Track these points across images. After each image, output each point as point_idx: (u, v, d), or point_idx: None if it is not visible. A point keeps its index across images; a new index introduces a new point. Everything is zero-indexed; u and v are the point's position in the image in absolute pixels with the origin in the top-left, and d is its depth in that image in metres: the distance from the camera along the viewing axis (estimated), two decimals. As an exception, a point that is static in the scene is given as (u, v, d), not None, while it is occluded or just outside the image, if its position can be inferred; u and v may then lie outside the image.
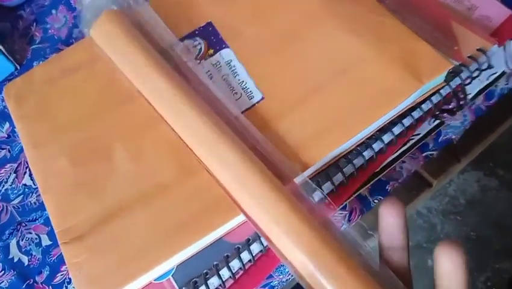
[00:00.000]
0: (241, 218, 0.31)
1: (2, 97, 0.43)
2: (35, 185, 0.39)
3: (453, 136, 0.36)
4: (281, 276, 0.34)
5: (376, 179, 0.35)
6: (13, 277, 0.36)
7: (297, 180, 0.30)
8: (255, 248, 0.32)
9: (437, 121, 0.36)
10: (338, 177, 0.33)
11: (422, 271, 0.94)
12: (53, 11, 0.48)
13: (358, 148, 0.33)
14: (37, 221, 0.38)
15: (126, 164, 0.34)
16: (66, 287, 0.35)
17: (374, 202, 0.35)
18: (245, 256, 0.31)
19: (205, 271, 0.31)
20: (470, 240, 0.95)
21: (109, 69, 0.38)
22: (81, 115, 0.36)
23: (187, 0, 0.40)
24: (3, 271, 0.36)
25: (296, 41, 0.35)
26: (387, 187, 0.35)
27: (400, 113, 0.32)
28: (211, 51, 0.37)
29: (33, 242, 0.37)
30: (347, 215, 0.35)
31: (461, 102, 0.35)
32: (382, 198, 0.35)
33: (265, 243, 0.32)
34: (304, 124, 0.32)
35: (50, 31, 0.47)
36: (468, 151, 0.86)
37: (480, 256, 0.94)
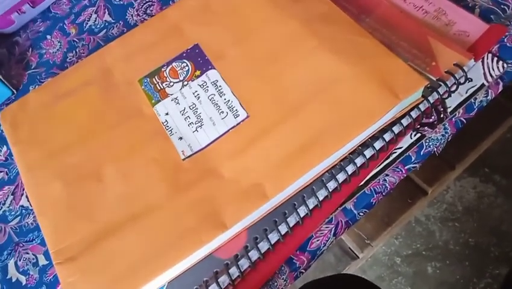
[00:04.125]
0: (229, 234, 0.32)
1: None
2: (31, 206, 0.40)
3: (435, 149, 0.37)
4: (270, 290, 0.34)
5: (361, 192, 0.36)
6: (11, 297, 0.37)
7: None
8: (244, 263, 0.33)
9: (418, 135, 0.36)
10: (322, 192, 0.34)
11: (422, 279, 0.95)
12: (48, 37, 0.49)
13: (341, 163, 0.34)
14: (33, 241, 0.39)
15: (117, 185, 0.35)
16: (62, 306, 0.36)
17: (360, 215, 0.36)
18: (234, 271, 0.32)
19: (195, 287, 0.32)
20: (469, 247, 0.95)
21: (100, 93, 0.40)
22: (73, 139, 0.38)
23: (175, 25, 0.42)
24: (1, 292, 0.38)
25: (277, 61, 0.37)
26: (371, 200, 0.36)
27: (380, 128, 0.34)
28: (198, 72, 0.39)
29: (30, 262, 0.38)
30: (333, 228, 0.35)
31: (441, 116, 0.36)
32: (367, 211, 0.36)
33: (253, 258, 0.33)
34: (287, 142, 0.33)
35: (45, 56, 0.48)
36: (462, 158, 0.86)
37: (479, 262, 0.94)
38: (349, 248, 0.80)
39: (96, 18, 0.49)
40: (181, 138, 0.36)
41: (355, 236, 0.79)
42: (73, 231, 0.34)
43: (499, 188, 0.99)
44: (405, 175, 0.37)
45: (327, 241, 0.35)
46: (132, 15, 0.48)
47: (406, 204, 0.79)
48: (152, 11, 0.48)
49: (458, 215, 0.98)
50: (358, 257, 0.81)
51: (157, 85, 0.39)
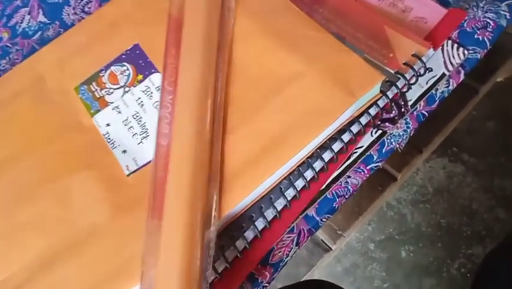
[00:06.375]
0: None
1: None
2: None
3: (397, 146, 0.35)
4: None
5: (322, 197, 0.34)
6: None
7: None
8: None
9: (379, 132, 0.34)
10: (281, 201, 0.31)
11: (397, 263, 0.95)
12: (-22, 42, 0.45)
13: (299, 168, 0.32)
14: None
15: (55, 208, 0.31)
16: None
17: (323, 221, 0.34)
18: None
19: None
20: (441, 228, 0.96)
21: (33, 104, 0.36)
22: (5, 158, 0.34)
23: (112, 22, 0.38)
24: None
25: (230, 62, 0.34)
26: (334, 204, 0.34)
27: (338, 129, 0.31)
28: (140, 76, 0.35)
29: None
30: (295, 238, 0.33)
31: (402, 110, 0.34)
32: (330, 216, 0.34)
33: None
34: (241, 150, 0.31)
35: (-24, 64, 0.44)
36: (429, 141, 0.86)
37: (452, 243, 0.94)
38: (321, 240, 0.79)
39: (29, 19, 0.45)
40: (124, 152, 0.33)
41: (327, 228, 0.78)
42: (9, 262, 0.31)
43: (467, 167, 1.00)
44: (368, 176, 0.35)
45: (289, 251, 0.33)
46: (68, 14, 0.44)
47: (377, 191, 0.78)
48: (90, 8, 0.44)
49: (428, 197, 0.98)
50: (331, 249, 0.80)
51: (95, 92, 0.35)
